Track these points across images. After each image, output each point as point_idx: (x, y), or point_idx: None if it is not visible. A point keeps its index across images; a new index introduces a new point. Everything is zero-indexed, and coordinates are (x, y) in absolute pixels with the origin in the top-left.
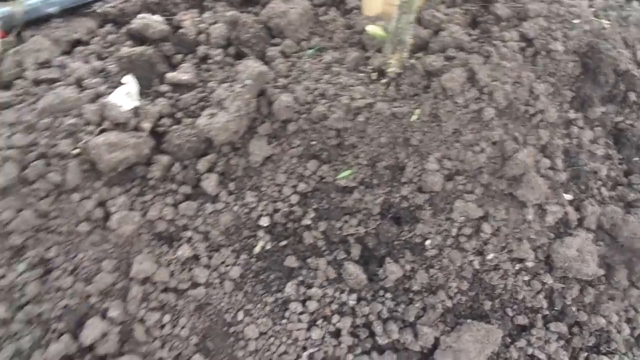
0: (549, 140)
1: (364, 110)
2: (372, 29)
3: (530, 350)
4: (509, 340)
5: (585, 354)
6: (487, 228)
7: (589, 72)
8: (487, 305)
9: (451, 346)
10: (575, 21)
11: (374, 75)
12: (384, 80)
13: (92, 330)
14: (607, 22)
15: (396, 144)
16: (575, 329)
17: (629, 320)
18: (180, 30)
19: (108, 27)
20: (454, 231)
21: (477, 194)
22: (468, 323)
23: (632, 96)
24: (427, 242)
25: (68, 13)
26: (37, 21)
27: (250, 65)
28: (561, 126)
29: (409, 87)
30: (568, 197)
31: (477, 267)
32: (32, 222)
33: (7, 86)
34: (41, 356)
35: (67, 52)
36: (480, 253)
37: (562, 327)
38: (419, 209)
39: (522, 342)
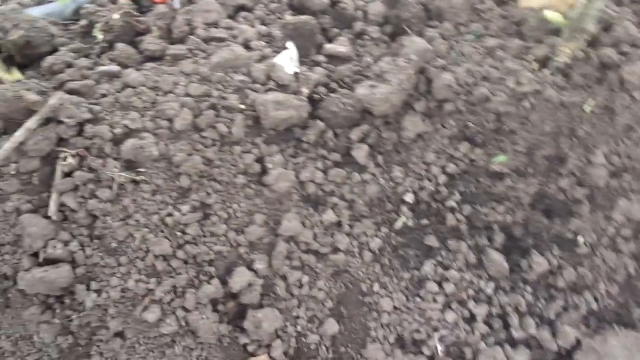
0: None
1: (531, 96)
2: (549, 15)
3: None
4: None
5: None
6: None
7: None
8: (636, 313)
9: (596, 349)
10: None
11: (535, 65)
12: (548, 71)
13: (240, 278)
14: None
15: (560, 133)
16: None
17: None
18: (339, 5)
19: None
20: (612, 231)
21: None
22: (614, 328)
23: None
24: (580, 239)
25: None
26: None
27: (416, 41)
28: None
29: (580, 77)
30: None
31: (632, 272)
32: (199, 167)
33: (180, 41)
34: (194, 295)
35: (232, 17)
36: (637, 258)
37: None
38: (576, 203)
39: None
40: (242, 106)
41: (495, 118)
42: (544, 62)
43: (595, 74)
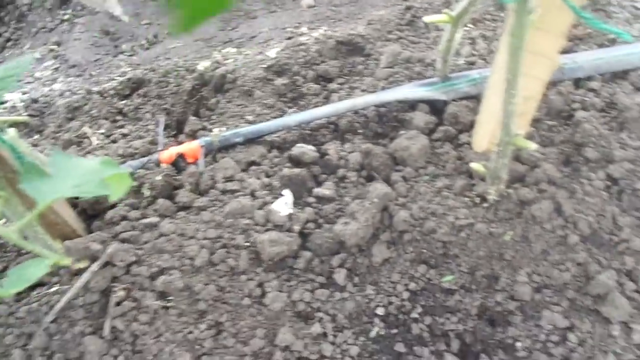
0: (635, 266)
1: (466, 228)
2: (474, 166)
3: None
4: None
5: None
6: (573, 338)
7: None
8: None
9: None
10: None
11: (477, 200)
12: (485, 205)
13: None
14: None
15: (492, 257)
16: None
17: None
18: (326, 157)
19: (274, 152)
20: (542, 337)
21: (564, 307)
22: None
23: None
24: (518, 344)
25: (248, 142)
26: (227, 147)
27: (378, 187)
28: None
29: (504, 212)
30: None
31: None
32: (214, 294)
33: (204, 193)
34: None
35: (245, 170)
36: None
37: None
38: (511, 314)
39: None
40: (247, 244)
41: (442, 245)
42: (484, 198)
43: (515, 209)
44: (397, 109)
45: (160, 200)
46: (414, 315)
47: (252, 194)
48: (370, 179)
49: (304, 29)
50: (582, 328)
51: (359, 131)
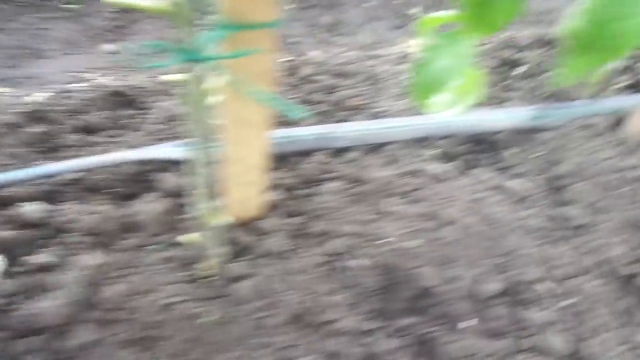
0: (342, 348)
1: (170, 308)
2: (183, 238)
3: None
4: None
5: None
6: None
7: (389, 287)
8: None
9: None
10: (380, 241)
11: (196, 275)
12: (200, 281)
13: None
14: (417, 242)
15: (198, 341)
16: None
17: None
18: (58, 218)
19: None
20: None
21: None
22: None
23: (437, 310)
24: None
25: None
26: None
27: (87, 258)
28: (359, 335)
29: (214, 290)
30: None
31: None
32: None
33: None
34: None
35: None
36: None
37: None
38: None
39: None
40: None
41: (149, 326)
42: (202, 273)
43: (225, 286)
44: (153, 168)
45: None
46: None
47: None
48: (100, 245)
49: (92, 75)
50: None
51: (106, 190)
